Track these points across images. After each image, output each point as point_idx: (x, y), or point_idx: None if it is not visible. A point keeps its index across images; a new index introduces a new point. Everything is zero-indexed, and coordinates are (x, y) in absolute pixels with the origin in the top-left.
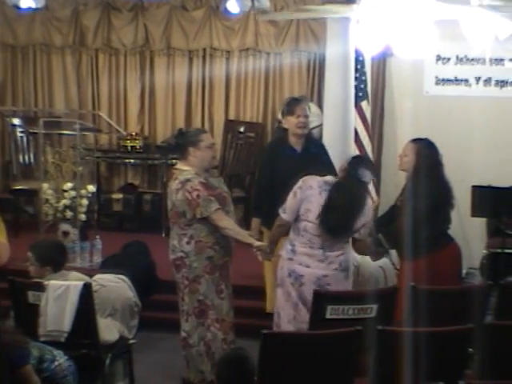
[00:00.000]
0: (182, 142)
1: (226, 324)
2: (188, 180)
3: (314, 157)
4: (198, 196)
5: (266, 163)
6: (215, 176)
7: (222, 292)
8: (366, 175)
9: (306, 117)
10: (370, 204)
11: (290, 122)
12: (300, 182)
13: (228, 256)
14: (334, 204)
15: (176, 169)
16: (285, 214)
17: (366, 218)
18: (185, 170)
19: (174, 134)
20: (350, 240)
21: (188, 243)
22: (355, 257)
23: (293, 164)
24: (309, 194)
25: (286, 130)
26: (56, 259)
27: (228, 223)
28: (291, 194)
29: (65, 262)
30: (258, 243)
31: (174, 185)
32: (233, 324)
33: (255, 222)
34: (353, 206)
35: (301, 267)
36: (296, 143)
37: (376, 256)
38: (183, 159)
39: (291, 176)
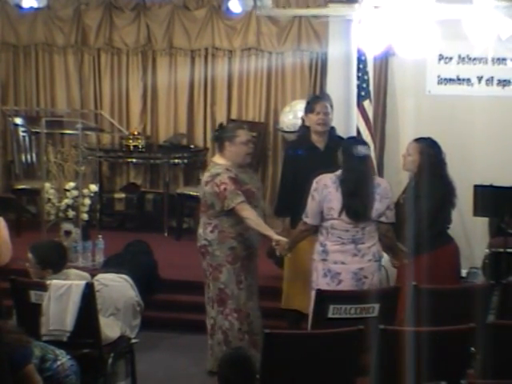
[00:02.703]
0: (219, 136)
1: (242, 314)
2: (218, 174)
3: (336, 154)
4: (225, 189)
5: (287, 162)
6: (249, 171)
7: (241, 283)
8: (361, 150)
9: (326, 114)
10: (387, 186)
11: (311, 120)
12: (314, 184)
13: (252, 248)
14: (347, 188)
15: (212, 161)
16: (308, 218)
17: (388, 199)
18: (218, 163)
19: (176, 133)
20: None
21: (212, 232)
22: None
23: (315, 162)
24: (326, 193)
25: (308, 128)
26: (57, 262)
27: (250, 213)
28: (309, 198)
29: (65, 263)
30: (277, 237)
31: (205, 177)
32: (248, 314)
33: (284, 222)
34: (363, 181)
35: (336, 265)
36: (318, 141)
37: (399, 261)
38: (220, 152)
39: (314, 175)
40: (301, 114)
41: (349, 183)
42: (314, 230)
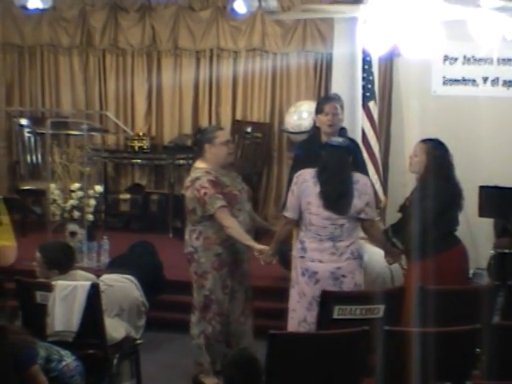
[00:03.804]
0: (199, 139)
1: (224, 318)
2: (197, 178)
3: None
4: (204, 194)
5: (296, 161)
6: (232, 174)
7: (226, 288)
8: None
9: (335, 115)
10: (367, 182)
11: (320, 120)
12: (295, 179)
13: (239, 253)
14: (321, 176)
15: (193, 167)
16: (288, 212)
17: (367, 196)
18: (198, 168)
19: (181, 134)
20: (359, 229)
21: (197, 239)
22: (367, 248)
23: None
24: (305, 188)
25: (319, 128)
26: (64, 263)
27: (230, 222)
28: (289, 193)
29: (72, 265)
30: (258, 246)
31: (186, 182)
32: (228, 315)
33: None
34: (337, 169)
35: (313, 263)
36: None
37: (392, 257)
38: (201, 156)
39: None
40: (306, 114)
41: (323, 171)
42: (295, 224)
